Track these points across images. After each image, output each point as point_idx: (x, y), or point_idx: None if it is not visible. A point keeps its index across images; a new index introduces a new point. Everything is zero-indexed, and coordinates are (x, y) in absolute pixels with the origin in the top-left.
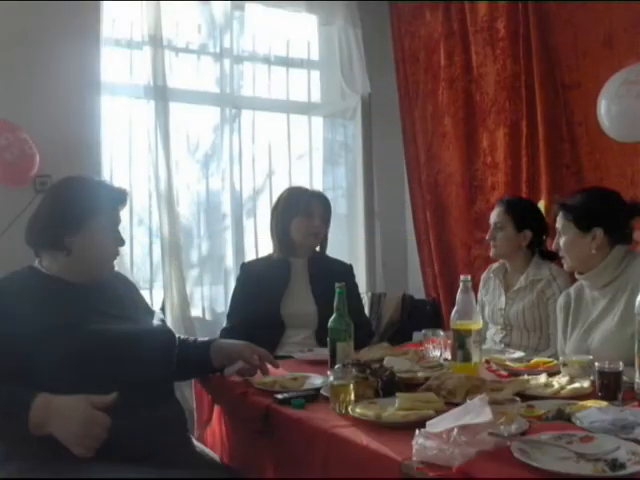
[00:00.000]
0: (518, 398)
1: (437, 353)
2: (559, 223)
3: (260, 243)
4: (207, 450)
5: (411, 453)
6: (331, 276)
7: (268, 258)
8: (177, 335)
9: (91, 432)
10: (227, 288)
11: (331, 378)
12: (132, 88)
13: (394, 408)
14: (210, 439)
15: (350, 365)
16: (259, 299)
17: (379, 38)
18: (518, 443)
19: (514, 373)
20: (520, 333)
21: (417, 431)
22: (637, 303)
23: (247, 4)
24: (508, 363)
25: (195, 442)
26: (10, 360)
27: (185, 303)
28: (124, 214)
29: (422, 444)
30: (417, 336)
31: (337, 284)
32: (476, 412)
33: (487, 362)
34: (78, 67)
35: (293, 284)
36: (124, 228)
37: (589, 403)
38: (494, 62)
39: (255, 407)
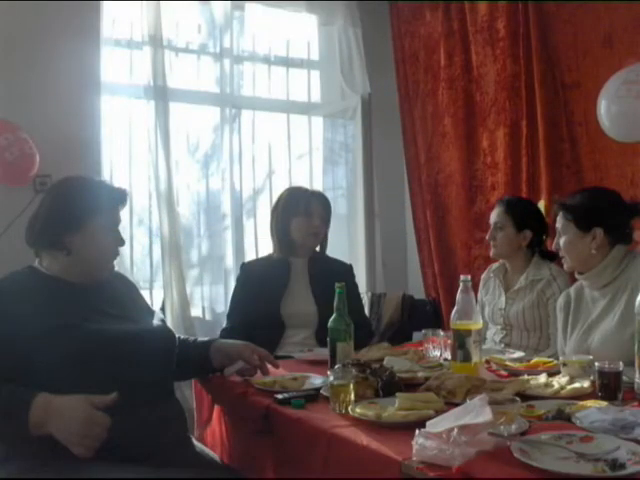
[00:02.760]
0: (518, 398)
1: (437, 353)
2: (559, 223)
3: (260, 243)
4: (207, 450)
5: (411, 453)
6: (331, 276)
7: (268, 258)
8: (177, 335)
9: (91, 432)
10: (227, 288)
11: (331, 378)
12: (132, 88)
13: (394, 408)
14: (210, 439)
15: (350, 365)
16: (259, 299)
17: (379, 38)
18: (518, 443)
19: (514, 373)
20: (520, 333)
21: (417, 431)
22: (637, 303)
23: (247, 4)
24: (508, 363)
25: (195, 442)
26: (10, 360)
27: (185, 303)
28: (124, 214)
29: (422, 444)
30: (417, 336)
31: (337, 284)
32: (476, 412)
33: (487, 362)
34: (78, 67)
35: (293, 284)
36: (124, 228)
37: (589, 403)
38: (494, 62)
39: (255, 407)
